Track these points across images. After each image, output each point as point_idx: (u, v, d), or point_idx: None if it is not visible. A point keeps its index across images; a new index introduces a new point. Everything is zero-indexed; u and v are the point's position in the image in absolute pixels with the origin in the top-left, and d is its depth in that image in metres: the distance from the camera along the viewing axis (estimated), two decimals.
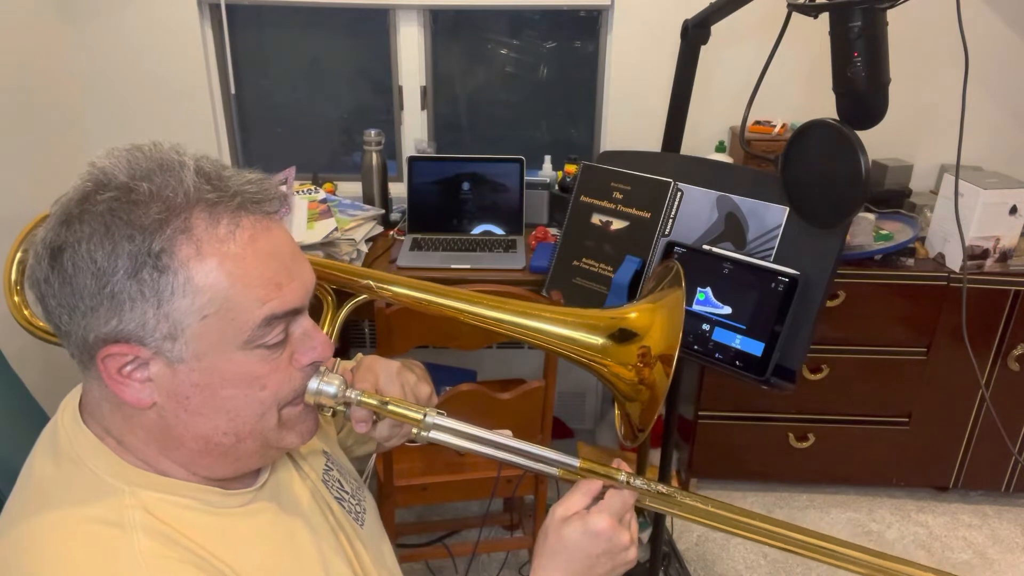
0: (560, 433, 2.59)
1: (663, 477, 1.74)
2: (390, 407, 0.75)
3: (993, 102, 2.32)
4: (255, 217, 0.65)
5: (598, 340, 0.85)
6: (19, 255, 0.95)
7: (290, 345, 0.68)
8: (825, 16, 1.23)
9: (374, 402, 0.75)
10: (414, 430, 0.76)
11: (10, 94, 1.95)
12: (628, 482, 0.75)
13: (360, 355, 0.88)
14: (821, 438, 2.21)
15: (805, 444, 2.22)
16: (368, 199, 2.22)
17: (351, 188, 2.32)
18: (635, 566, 2.04)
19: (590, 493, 0.75)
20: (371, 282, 0.91)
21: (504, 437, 0.77)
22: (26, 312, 0.95)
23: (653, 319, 0.85)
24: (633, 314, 0.86)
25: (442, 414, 0.76)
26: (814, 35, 1.35)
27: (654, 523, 1.87)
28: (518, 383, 1.59)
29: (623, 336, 0.85)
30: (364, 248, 2.08)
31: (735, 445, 2.23)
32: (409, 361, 0.87)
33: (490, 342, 1.96)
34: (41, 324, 0.96)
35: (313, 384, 0.70)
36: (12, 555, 0.61)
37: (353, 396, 0.73)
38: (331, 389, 0.71)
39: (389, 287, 0.91)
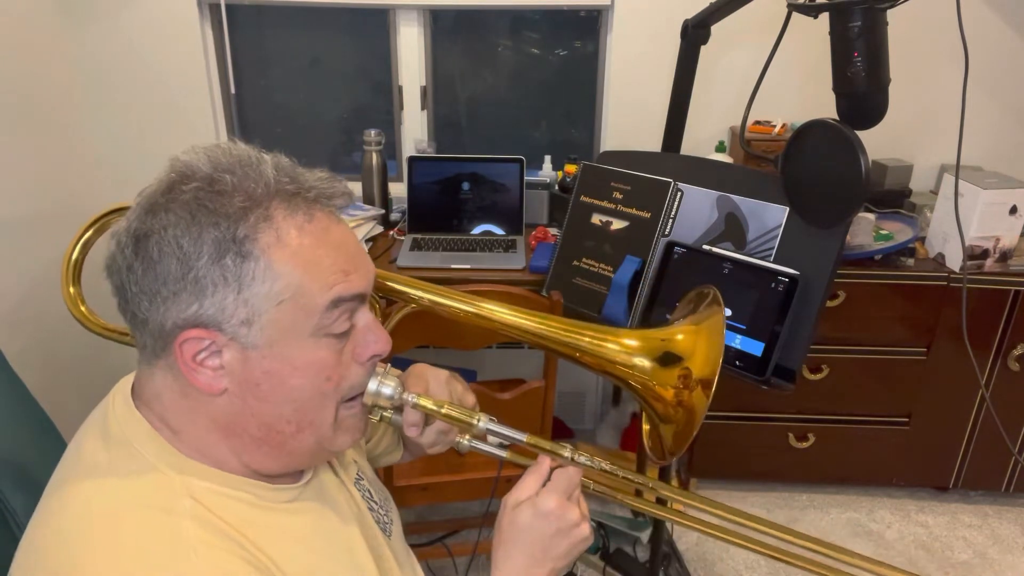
0: (560, 433, 2.59)
1: (663, 477, 1.74)
2: (445, 411, 0.78)
3: (993, 102, 2.32)
4: (327, 210, 0.69)
5: (643, 362, 0.87)
6: (83, 240, 0.93)
7: (353, 339, 0.70)
8: (825, 16, 1.23)
9: (431, 405, 0.78)
10: (459, 438, 0.80)
11: (9, 94, 1.94)
12: (573, 458, 0.78)
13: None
14: (821, 438, 2.21)
15: (805, 444, 2.22)
16: (368, 199, 2.22)
17: (351, 188, 2.31)
18: (635, 564, 2.05)
19: (538, 477, 0.76)
20: (421, 293, 0.93)
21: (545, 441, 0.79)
22: (83, 308, 0.94)
23: (696, 342, 0.86)
24: (680, 336, 0.88)
25: (493, 420, 0.79)
26: (814, 35, 1.35)
27: (654, 523, 1.87)
28: (518, 383, 1.59)
29: (667, 359, 0.87)
30: (364, 248, 2.07)
31: (735, 445, 2.23)
32: (453, 372, 0.89)
33: (490, 342, 1.95)
34: (96, 319, 0.94)
35: (372, 385, 0.73)
36: (59, 535, 0.62)
37: (409, 399, 0.77)
38: (388, 391, 0.74)
39: (435, 298, 0.93)
